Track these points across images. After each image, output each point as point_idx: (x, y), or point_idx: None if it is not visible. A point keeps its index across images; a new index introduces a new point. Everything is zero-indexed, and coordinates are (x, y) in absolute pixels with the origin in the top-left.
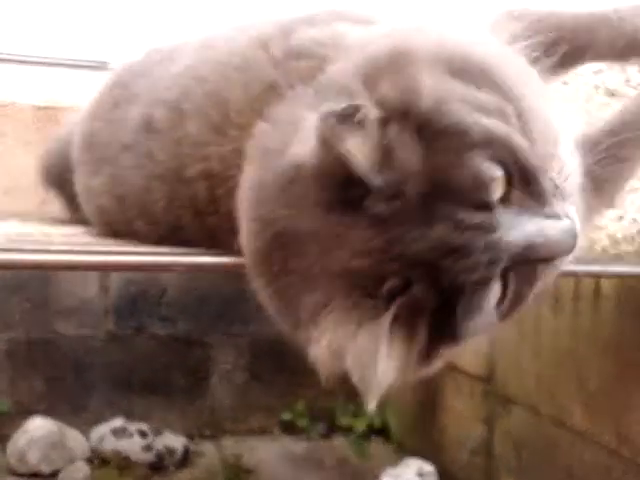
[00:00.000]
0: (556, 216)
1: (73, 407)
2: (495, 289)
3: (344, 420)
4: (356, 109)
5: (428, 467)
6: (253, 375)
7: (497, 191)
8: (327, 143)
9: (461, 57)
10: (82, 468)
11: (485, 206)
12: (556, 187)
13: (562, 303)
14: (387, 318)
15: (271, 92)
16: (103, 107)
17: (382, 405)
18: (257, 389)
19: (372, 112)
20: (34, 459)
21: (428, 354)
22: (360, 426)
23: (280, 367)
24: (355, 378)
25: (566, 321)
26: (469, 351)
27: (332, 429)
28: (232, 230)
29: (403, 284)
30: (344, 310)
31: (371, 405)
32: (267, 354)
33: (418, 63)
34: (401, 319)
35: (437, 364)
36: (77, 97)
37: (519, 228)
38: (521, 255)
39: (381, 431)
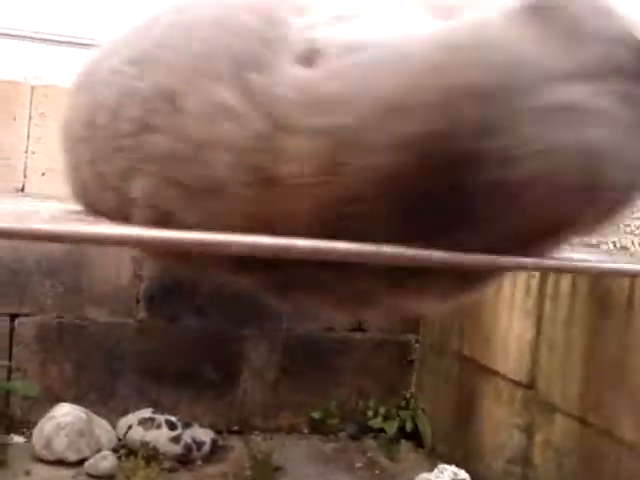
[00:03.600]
0: None
1: (101, 395)
2: None
3: (375, 422)
4: None
5: (463, 474)
6: (285, 372)
7: None
8: None
9: None
10: (109, 457)
11: None
12: None
13: (614, 309)
14: None
15: None
16: None
17: (414, 409)
18: (288, 386)
19: None
20: (60, 446)
21: None
22: (391, 429)
23: (312, 365)
24: None
25: (618, 328)
26: (510, 355)
27: (362, 431)
28: None
29: None
30: None
31: None
32: (300, 351)
33: None
34: None
35: None
36: None
37: None
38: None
39: (412, 435)
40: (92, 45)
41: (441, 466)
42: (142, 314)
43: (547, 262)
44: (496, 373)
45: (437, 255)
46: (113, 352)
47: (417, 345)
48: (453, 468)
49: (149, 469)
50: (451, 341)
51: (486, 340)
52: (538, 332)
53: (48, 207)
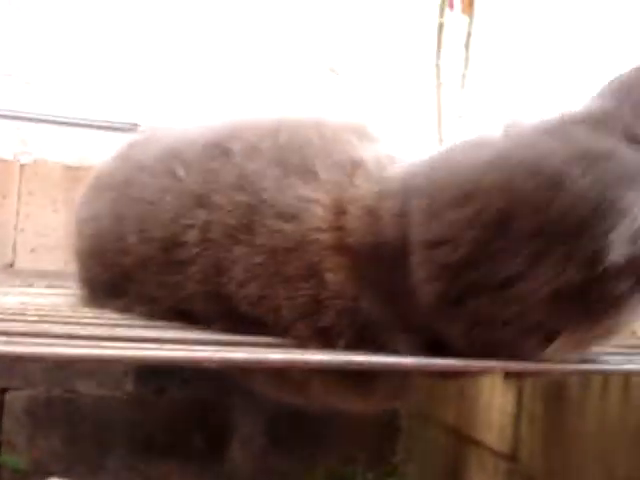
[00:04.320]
0: None
1: (91, 468)
2: None
3: None
4: None
5: None
6: (272, 440)
7: None
8: None
9: None
10: None
11: None
12: None
13: (591, 386)
14: None
15: None
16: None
17: (402, 476)
18: (276, 454)
19: None
20: None
21: None
22: None
23: (300, 432)
24: None
25: (595, 404)
26: (493, 426)
27: None
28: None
29: None
30: None
31: None
32: (287, 419)
33: None
34: None
35: None
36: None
37: None
38: None
39: None
40: (81, 124)
41: None
42: (130, 387)
43: (512, 365)
44: (480, 443)
45: (409, 361)
46: (102, 425)
47: (404, 412)
48: None
49: None
50: (437, 409)
51: (470, 410)
52: (519, 405)
53: (36, 300)
